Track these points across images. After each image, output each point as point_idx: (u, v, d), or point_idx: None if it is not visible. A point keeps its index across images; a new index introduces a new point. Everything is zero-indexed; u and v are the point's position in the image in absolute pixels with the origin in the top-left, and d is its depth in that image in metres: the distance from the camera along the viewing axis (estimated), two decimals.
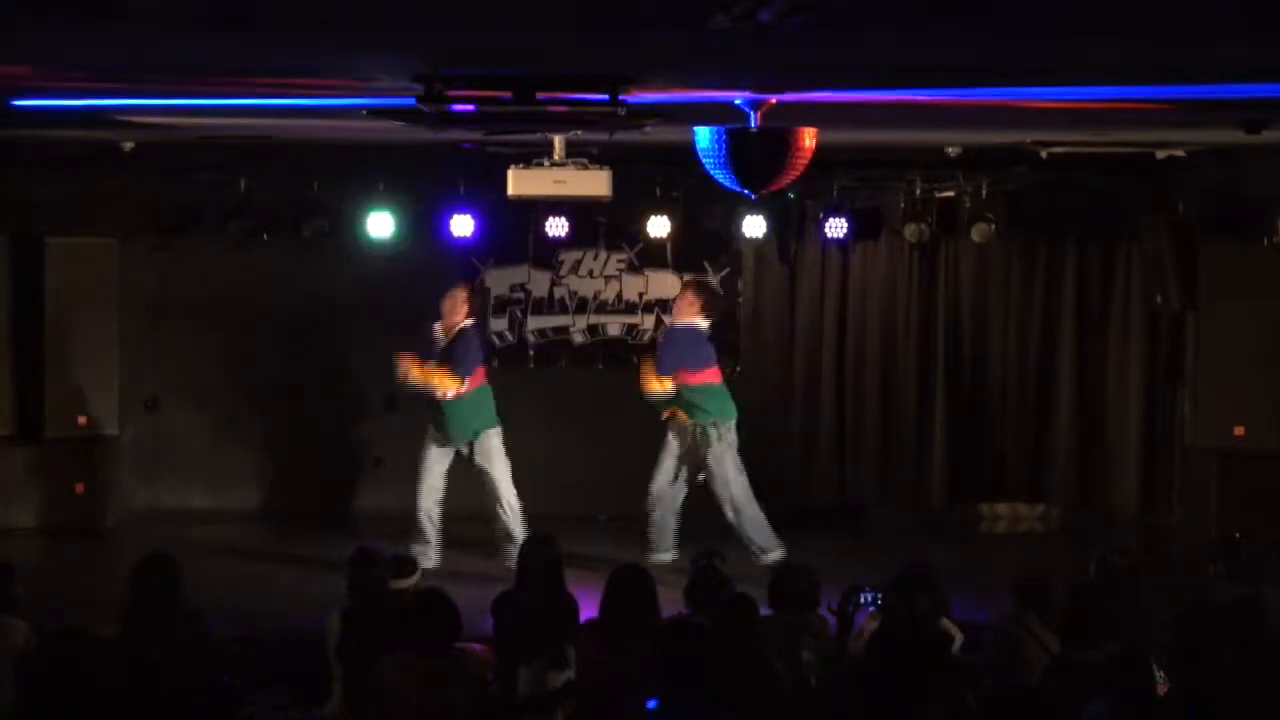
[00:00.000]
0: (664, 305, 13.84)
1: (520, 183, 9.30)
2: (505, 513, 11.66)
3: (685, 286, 12.39)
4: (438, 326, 11.81)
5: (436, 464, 11.79)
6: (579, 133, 9.00)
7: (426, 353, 11.72)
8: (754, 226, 13.18)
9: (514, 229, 13.21)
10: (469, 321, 11.81)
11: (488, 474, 11.71)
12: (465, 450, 11.77)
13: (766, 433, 13.83)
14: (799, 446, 13.93)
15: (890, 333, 13.94)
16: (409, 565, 8.37)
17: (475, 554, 11.73)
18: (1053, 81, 7.49)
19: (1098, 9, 5.14)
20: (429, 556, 11.46)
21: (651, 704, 6.24)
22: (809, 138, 7.65)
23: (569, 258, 13.80)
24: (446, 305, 11.79)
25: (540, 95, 7.10)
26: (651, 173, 12.72)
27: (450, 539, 11.99)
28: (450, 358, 11.67)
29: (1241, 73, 6.91)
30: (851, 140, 11.21)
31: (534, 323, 13.88)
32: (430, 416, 11.78)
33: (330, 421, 13.71)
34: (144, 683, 6.45)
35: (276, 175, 12.85)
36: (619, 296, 13.88)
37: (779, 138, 7.69)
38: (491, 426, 11.75)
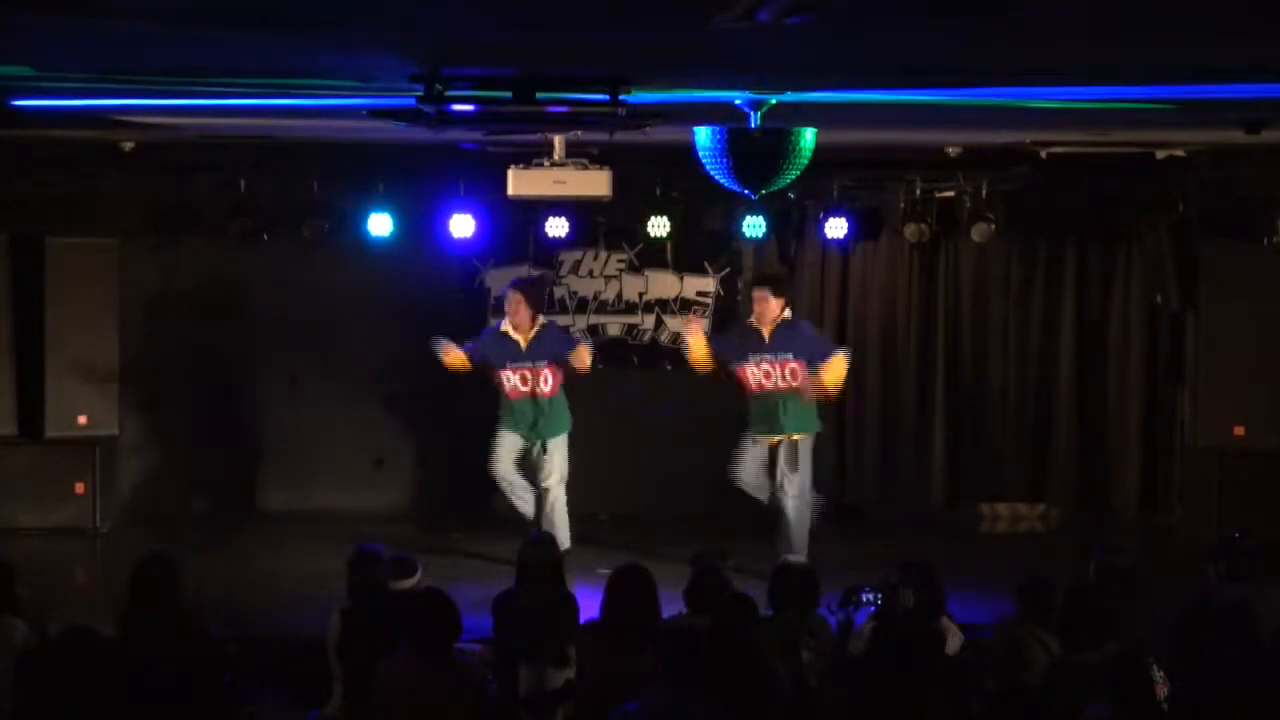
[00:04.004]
0: (664, 305, 13.85)
1: (520, 183, 9.31)
2: (554, 514, 11.59)
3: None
4: (507, 326, 11.66)
5: (510, 452, 11.71)
6: (579, 133, 9.00)
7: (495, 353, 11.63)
8: (754, 226, 13.19)
9: (514, 229, 13.21)
10: (544, 319, 11.83)
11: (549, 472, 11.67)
12: (536, 449, 11.70)
13: None
14: None
15: (890, 333, 13.93)
16: (409, 565, 8.37)
17: (475, 554, 11.73)
18: (1052, 82, 7.49)
19: (1099, 8, 5.15)
20: (527, 502, 11.61)
21: (631, 706, 6.26)
22: (809, 138, 7.66)
23: (569, 258, 13.79)
24: (509, 307, 11.70)
25: (540, 95, 7.11)
26: (651, 173, 12.72)
27: (450, 540, 12.02)
28: (550, 350, 11.63)
29: (1241, 72, 6.91)
30: (851, 140, 11.22)
31: None
32: (512, 415, 11.66)
33: (330, 421, 13.70)
34: (144, 683, 6.46)
35: (276, 175, 12.85)
36: (619, 297, 13.87)
37: (779, 138, 7.70)
38: (568, 429, 11.75)
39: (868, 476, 14.01)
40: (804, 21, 5.06)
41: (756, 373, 11.38)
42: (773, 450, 11.43)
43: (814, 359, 11.36)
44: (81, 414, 12.96)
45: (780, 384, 11.35)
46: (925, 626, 7.26)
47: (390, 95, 7.66)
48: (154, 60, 6.86)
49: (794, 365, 11.32)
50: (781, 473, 11.38)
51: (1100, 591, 7.88)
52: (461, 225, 12.83)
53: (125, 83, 7.74)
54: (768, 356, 11.35)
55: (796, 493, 11.39)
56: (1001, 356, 13.98)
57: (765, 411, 11.39)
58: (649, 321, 13.89)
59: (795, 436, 11.42)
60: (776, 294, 11.53)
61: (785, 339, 11.39)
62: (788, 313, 11.56)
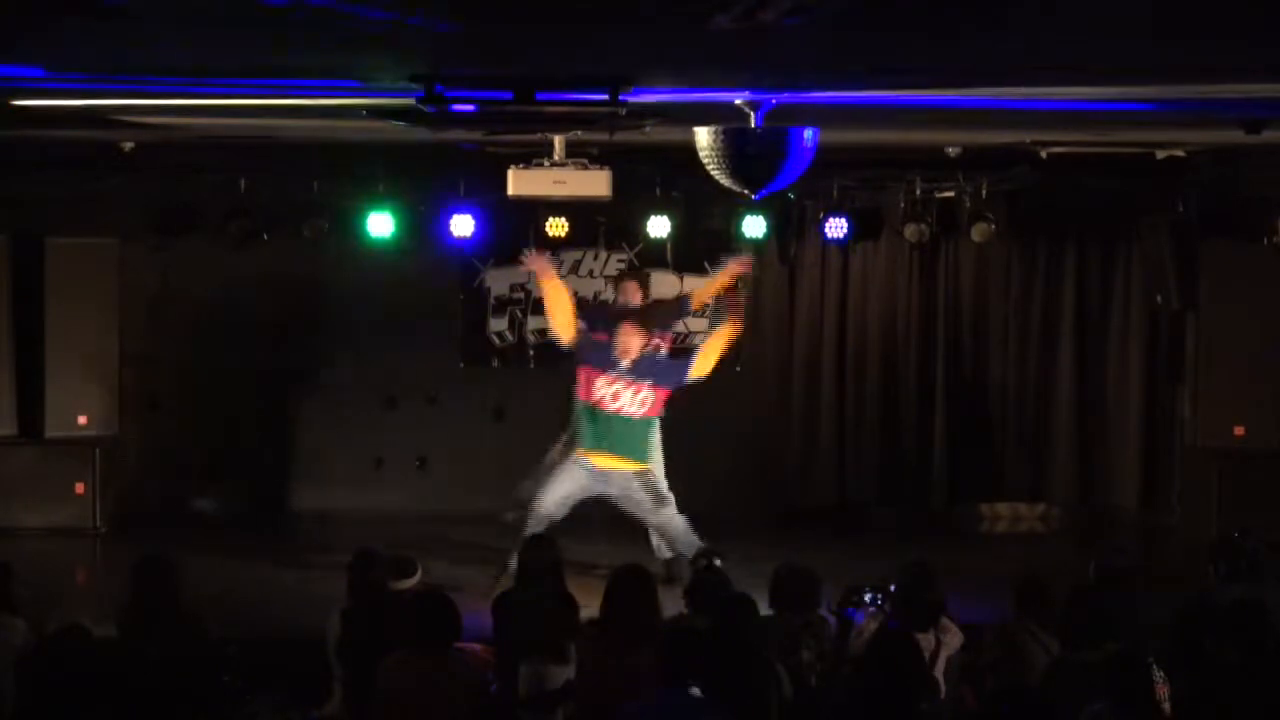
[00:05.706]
0: None
1: (520, 183, 9.30)
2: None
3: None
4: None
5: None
6: (579, 133, 9.00)
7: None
8: (754, 226, 13.19)
9: (514, 229, 13.20)
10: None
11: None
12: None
13: (767, 433, 13.85)
14: (799, 446, 13.92)
15: (890, 333, 13.94)
16: (409, 566, 8.37)
17: (475, 556, 11.72)
18: (1054, 81, 7.49)
19: (1099, 9, 5.14)
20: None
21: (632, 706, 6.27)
22: (809, 138, 7.66)
23: (569, 258, 13.79)
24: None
25: (540, 95, 7.11)
26: (651, 173, 12.72)
27: (449, 541, 12.00)
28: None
29: (1241, 72, 6.91)
30: (851, 140, 11.22)
31: (534, 323, 13.86)
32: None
33: (330, 421, 13.70)
34: (143, 683, 6.46)
35: (276, 175, 12.85)
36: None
37: (779, 138, 7.69)
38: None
39: (868, 476, 14.01)
40: (804, 21, 5.06)
41: (605, 388, 10.78)
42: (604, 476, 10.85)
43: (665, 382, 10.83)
44: (81, 414, 12.96)
45: (626, 408, 10.78)
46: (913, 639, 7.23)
47: (390, 95, 7.66)
48: (154, 60, 6.85)
49: (648, 392, 10.77)
50: (645, 518, 10.95)
51: (1100, 591, 7.88)
52: (461, 225, 12.84)
53: (126, 83, 7.74)
54: (627, 377, 10.74)
55: (665, 536, 10.97)
56: (1001, 357, 13.98)
57: (600, 428, 10.80)
58: None
59: (635, 466, 10.85)
60: (646, 330, 10.90)
61: (646, 366, 10.81)
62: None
